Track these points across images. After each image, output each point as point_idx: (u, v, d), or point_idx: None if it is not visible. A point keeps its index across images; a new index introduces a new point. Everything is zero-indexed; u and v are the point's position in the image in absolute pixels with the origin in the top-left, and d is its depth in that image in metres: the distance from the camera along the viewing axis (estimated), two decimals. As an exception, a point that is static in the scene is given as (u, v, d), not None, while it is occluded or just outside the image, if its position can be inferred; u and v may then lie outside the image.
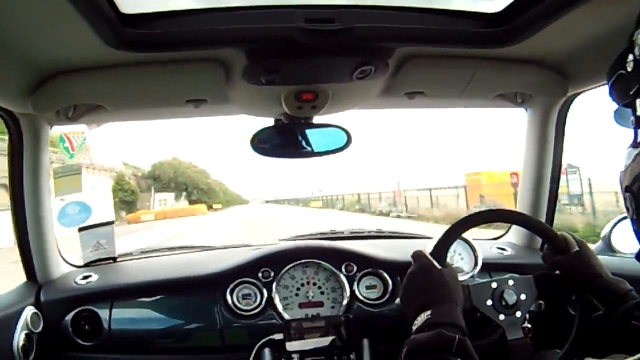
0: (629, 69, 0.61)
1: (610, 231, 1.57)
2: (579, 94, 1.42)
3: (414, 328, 0.88)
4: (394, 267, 1.45)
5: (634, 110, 0.62)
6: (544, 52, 1.15)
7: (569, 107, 1.52)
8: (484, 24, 1.01)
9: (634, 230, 0.66)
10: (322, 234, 1.94)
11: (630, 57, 0.61)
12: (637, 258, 0.67)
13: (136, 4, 0.90)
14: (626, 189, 0.64)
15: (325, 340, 1.32)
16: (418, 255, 1.00)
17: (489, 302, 1.03)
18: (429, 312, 0.87)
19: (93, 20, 0.83)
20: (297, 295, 1.43)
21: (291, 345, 1.30)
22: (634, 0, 0.77)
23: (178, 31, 0.95)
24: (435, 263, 0.97)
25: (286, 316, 1.38)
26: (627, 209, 0.65)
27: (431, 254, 0.99)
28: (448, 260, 1.03)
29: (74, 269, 1.56)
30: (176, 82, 1.16)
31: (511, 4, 0.95)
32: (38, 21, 0.84)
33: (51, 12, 0.80)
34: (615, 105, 0.68)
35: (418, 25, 0.99)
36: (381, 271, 1.46)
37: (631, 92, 0.61)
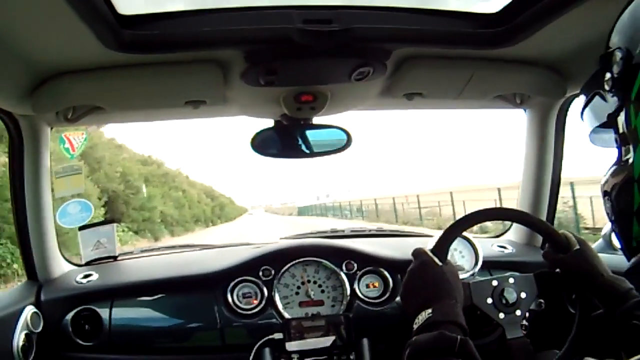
0: (607, 87, 0.61)
1: (612, 229, 1.56)
2: (578, 94, 1.41)
3: (414, 326, 0.88)
4: (395, 265, 1.45)
5: (617, 129, 0.62)
6: (541, 52, 1.15)
7: (568, 108, 1.52)
8: (481, 24, 1.01)
9: (615, 233, 0.67)
10: (323, 232, 1.94)
11: (608, 75, 0.61)
12: (625, 275, 0.68)
13: (134, 5, 0.90)
14: (605, 194, 0.65)
15: (325, 341, 1.32)
16: (419, 252, 1.00)
17: (489, 301, 1.03)
18: (430, 310, 0.87)
19: (90, 21, 0.83)
20: (297, 294, 1.43)
21: (291, 346, 1.31)
22: (631, 1, 0.77)
23: (175, 33, 0.95)
24: (437, 260, 0.97)
25: (286, 315, 1.38)
26: (607, 213, 0.67)
27: (432, 251, 1.00)
28: (449, 258, 1.03)
29: (75, 267, 1.57)
30: (174, 83, 1.17)
31: (508, 5, 0.95)
32: (35, 22, 0.84)
33: (48, 14, 0.80)
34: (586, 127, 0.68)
35: (416, 27, 0.99)
36: (381, 269, 1.46)
37: (611, 111, 0.61)
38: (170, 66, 1.09)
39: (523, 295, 1.04)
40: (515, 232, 1.73)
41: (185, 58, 1.07)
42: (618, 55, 0.59)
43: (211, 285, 1.40)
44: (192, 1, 0.97)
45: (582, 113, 0.69)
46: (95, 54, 0.97)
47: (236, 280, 1.40)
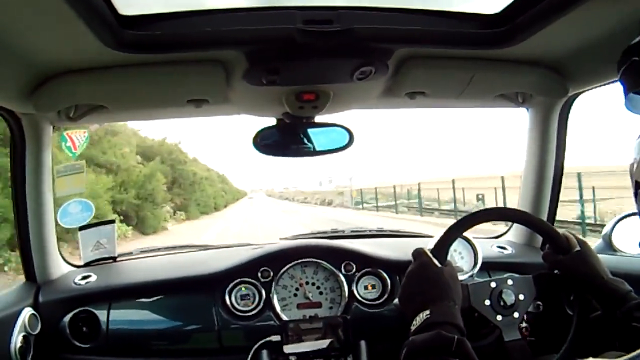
0: None
1: (612, 230, 1.56)
2: (579, 93, 1.42)
3: (412, 327, 0.88)
4: (394, 267, 1.45)
5: None
6: (543, 52, 1.15)
7: (570, 107, 1.52)
8: (482, 25, 1.01)
9: None
10: (322, 233, 1.94)
11: None
12: None
13: (135, 5, 0.90)
14: (637, 184, 0.63)
15: (323, 343, 1.32)
16: (418, 253, 1.00)
17: (487, 302, 1.04)
18: (427, 312, 0.87)
19: (91, 22, 0.83)
20: (295, 295, 1.43)
21: (288, 348, 1.31)
22: (632, 0, 0.77)
23: (177, 33, 0.95)
24: (436, 261, 0.97)
25: (284, 317, 1.38)
26: (638, 203, 0.64)
27: (432, 252, 1.00)
28: (448, 259, 1.03)
29: (74, 269, 1.56)
30: (177, 82, 1.16)
31: (510, 5, 0.95)
32: (36, 22, 0.84)
33: (50, 14, 0.80)
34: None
35: (417, 27, 0.99)
36: (380, 271, 1.45)
37: None
38: (172, 66, 1.09)
39: (521, 297, 1.04)
40: (515, 233, 1.73)
41: (187, 58, 1.07)
42: None
43: (210, 286, 1.40)
44: (194, 1, 0.97)
45: (620, 79, 0.68)
46: (97, 53, 0.97)
47: (235, 282, 1.40)
